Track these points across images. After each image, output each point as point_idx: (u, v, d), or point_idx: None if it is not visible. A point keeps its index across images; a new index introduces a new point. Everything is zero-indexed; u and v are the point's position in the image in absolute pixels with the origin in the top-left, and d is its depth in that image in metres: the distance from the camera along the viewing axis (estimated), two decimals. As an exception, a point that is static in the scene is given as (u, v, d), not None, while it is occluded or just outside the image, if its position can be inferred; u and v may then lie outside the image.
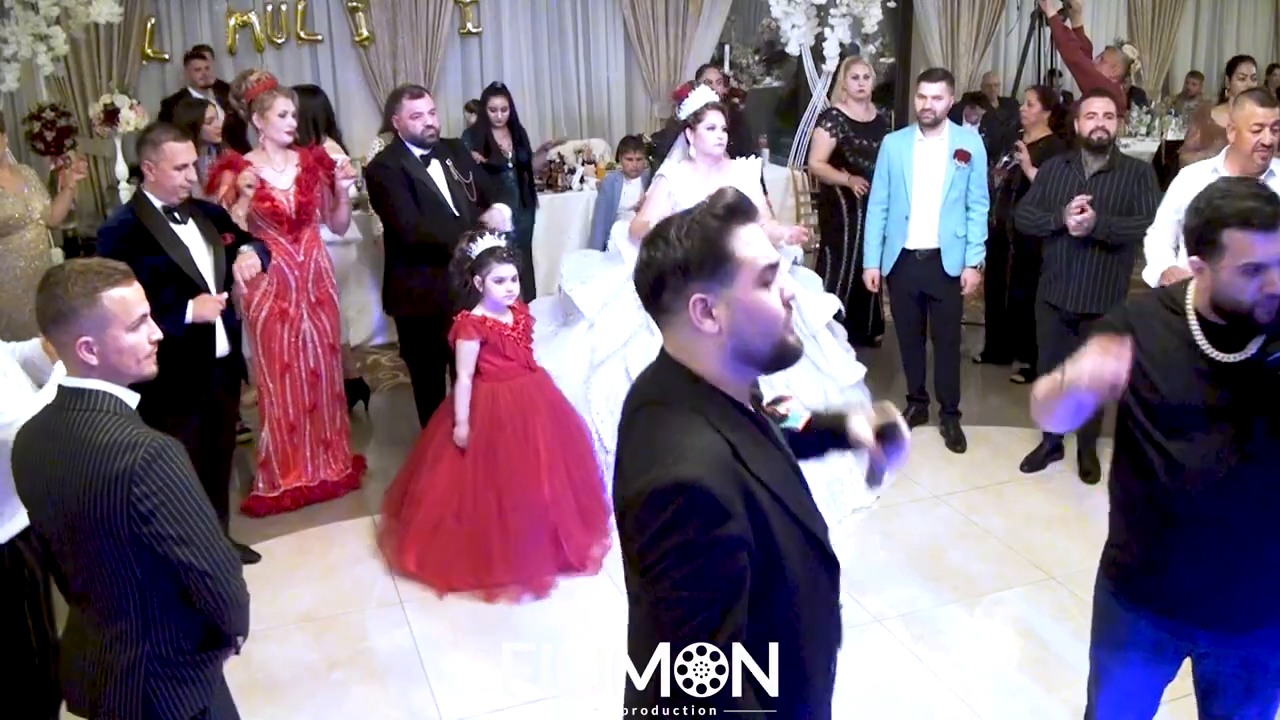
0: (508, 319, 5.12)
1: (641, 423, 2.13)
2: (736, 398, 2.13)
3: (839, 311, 6.33)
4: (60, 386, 2.64)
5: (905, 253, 6.34)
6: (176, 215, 4.84)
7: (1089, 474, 5.98)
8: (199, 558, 2.54)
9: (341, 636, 4.78)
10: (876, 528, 5.57)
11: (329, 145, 6.55)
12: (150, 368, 2.70)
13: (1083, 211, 5.52)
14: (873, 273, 6.54)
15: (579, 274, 6.11)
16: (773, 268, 2.07)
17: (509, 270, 5.02)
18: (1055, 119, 7.17)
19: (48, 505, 2.63)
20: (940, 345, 6.59)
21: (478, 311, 5.09)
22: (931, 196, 6.21)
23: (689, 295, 2.04)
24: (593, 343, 5.84)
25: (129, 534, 2.50)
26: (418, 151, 5.85)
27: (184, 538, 2.52)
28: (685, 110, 5.83)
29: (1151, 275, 5.07)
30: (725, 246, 2.03)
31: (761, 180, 6.85)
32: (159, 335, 2.72)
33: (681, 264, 2.04)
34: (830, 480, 5.75)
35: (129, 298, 2.64)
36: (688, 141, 5.84)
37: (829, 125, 7.51)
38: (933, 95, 6.16)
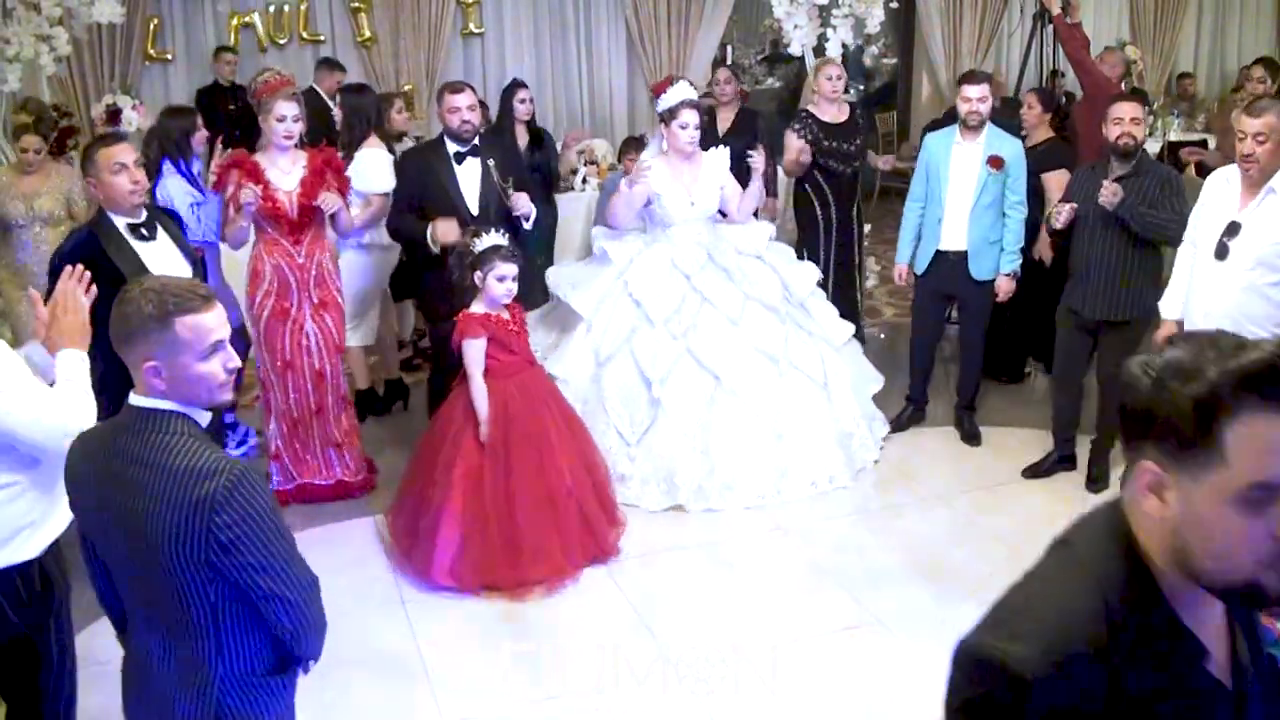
0: (506, 314, 5.17)
1: (1038, 563, 1.69)
2: (1170, 597, 1.56)
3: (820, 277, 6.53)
4: (129, 405, 2.52)
5: (938, 253, 6.31)
6: (144, 232, 4.73)
7: (1096, 482, 5.94)
8: (280, 585, 2.48)
9: (343, 637, 4.71)
10: (879, 528, 5.57)
11: (370, 142, 6.57)
12: (225, 396, 2.56)
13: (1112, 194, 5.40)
14: (902, 268, 6.53)
15: (569, 280, 6.21)
16: (1273, 490, 1.44)
17: (510, 269, 5.05)
18: (1056, 121, 7.15)
19: (114, 527, 2.53)
20: (965, 346, 6.59)
21: (477, 308, 5.11)
22: (963, 200, 6.18)
23: (1141, 455, 1.53)
24: (595, 343, 5.94)
25: (206, 560, 2.41)
26: (454, 148, 5.88)
27: (265, 565, 2.45)
28: (662, 105, 6.01)
29: (1167, 302, 5.08)
30: (1214, 427, 1.43)
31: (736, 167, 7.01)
32: (236, 364, 2.57)
33: (1143, 413, 1.51)
34: (840, 436, 6.00)
35: (204, 324, 2.46)
36: (662, 135, 6.04)
37: (798, 127, 7.43)
38: (977, 97, 6.12)
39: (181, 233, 4.97)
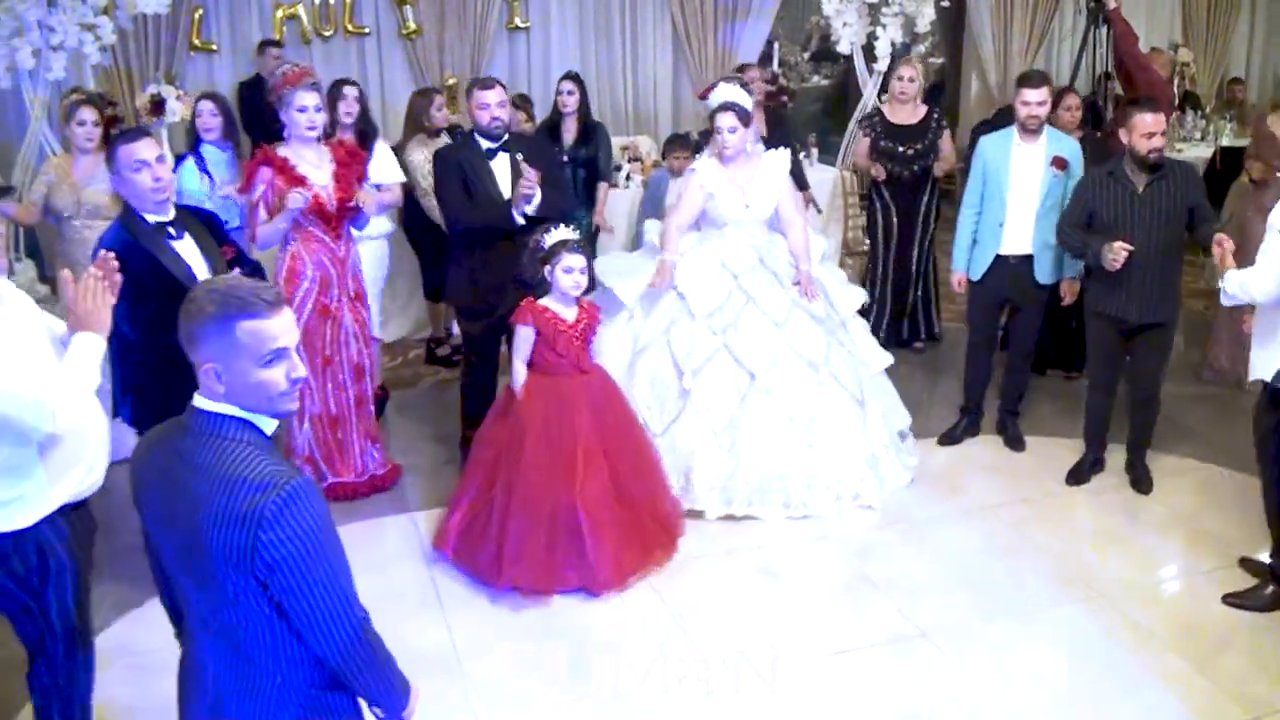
0: (570, 314, 5.10)
1: None
2: None
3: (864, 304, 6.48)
4: (192, 407, 2.46)
5: (998, 258, 6.18)
6: (171, 230, 4.60)
7: (1140, 484, 5.87)
8: (319, 614, 2.40)
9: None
10: (923, 539, 5.48)
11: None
12: (288, 405, 2.48)
13: (1127, 256, 5.40)
14: (960, 276, 6.37)
15: (615, 270, 6.23)
16: None
17: (578, 261, 5.02)
18: (1087, 119, 7.12)
19: (170, 532, 2.48)
20: (1015, 351, 6.47)
21: (543, 301, 5.10)
22: (1028, 203, 6.05)
23: None
24: (635, 331, 5.98)
25: (254, 574, 2.34)
26: (485, 144, 5.80)
27: (304, 591, 2.36)
28: (709, 108, 5.99)
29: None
30: None
31: (795, 173, 7.08)
32: (301, 373, 2.48)
33: None
34: (869, 458, 5.88)
35: (267, 330, 2.39)
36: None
37: (865, 125, 7.58)
38: (1036, 101, 5.97)
39: (212, 234, 4.82)
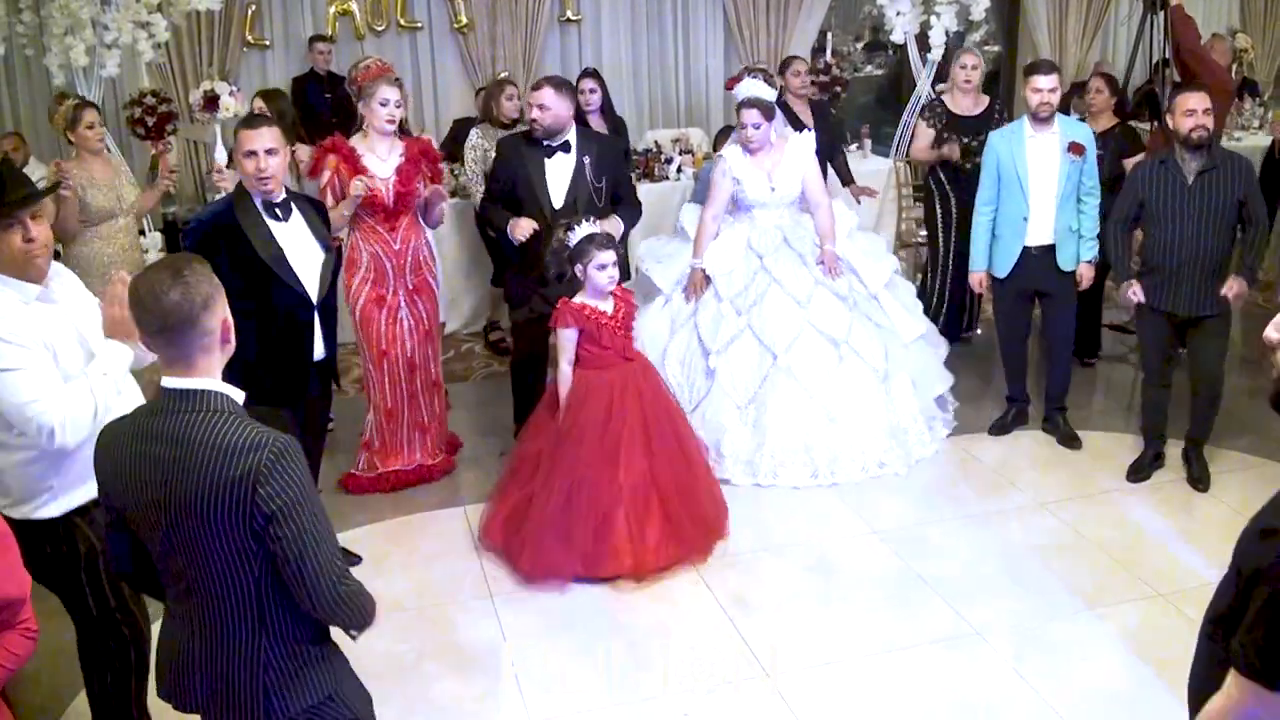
0: (608, 306, 5.08)
1: None
2: None
3: (898, 269, 6.60)
4: (164, 389, 2.54)
5: (1024, 250, 6.12)
6: (278, 212, 4.70)
7: (1199, 482, 5.77)
8: (314, 558, 2.49)
9: (430, 628, 4.77)
10: (978, 536, 5.41)
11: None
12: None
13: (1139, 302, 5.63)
14: (980, 275, 6.33)
15: (654, 255, 6.49)
16: None
17: (609, 256, 5.01)
18: (1120, 107, 7.03)
19: (150, 510, 2.54)
20: (1054, 342, 6.39)
21: (578, 299, 5.08)
22: (1047, 192, 6.00)
23: None
24: (671, 314, 6.23)
25: (250, 533, 2.45)
26: (547, 140, 5.78)
27: (302, 538, 2.47)
28: (736, 99, 6.13)
29: None
30: None
31: (838, 168, 7.53)
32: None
33: None
34: (893, 428, 6.00)
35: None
36: None
37: (928, 116, 7.39)
38: (1048, 88, 5.96)
39: (322, 221, 4.93)
